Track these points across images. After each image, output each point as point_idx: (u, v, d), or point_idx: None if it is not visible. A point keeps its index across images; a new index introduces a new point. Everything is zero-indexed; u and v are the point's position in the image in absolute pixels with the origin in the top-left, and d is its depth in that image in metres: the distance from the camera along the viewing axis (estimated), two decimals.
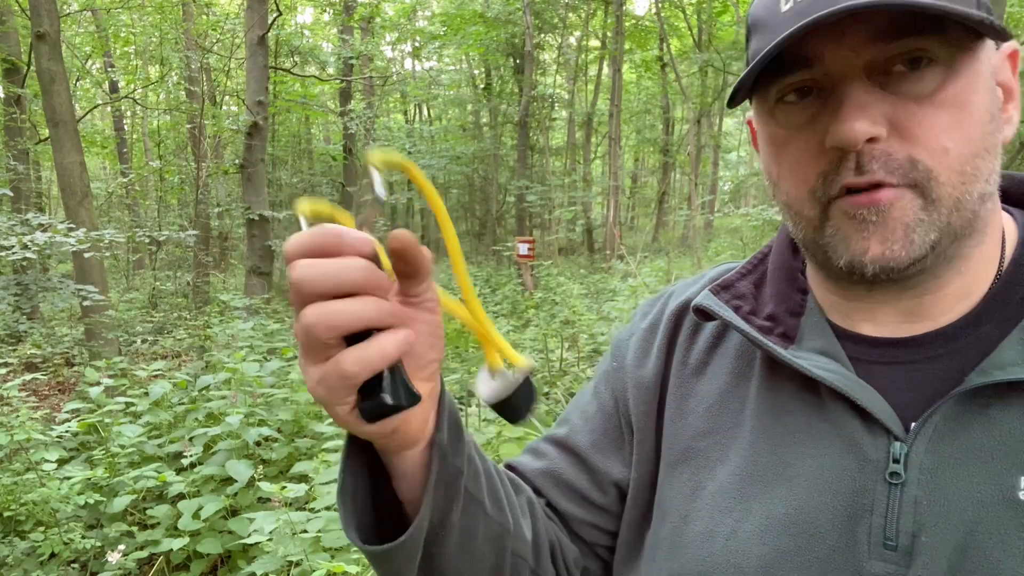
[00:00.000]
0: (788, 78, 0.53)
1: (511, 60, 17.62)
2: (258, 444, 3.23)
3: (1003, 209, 0.59)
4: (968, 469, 0.49)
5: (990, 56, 0.53)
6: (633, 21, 17.57)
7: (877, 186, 0.50)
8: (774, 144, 0.56)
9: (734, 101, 0.56)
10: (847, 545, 0.52)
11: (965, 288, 0.55)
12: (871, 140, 0.49)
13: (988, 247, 0.55)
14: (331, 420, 3.17)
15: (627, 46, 16.32)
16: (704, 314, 0.64)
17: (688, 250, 14.84)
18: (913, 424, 0.52)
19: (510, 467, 0.75)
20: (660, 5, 16.08)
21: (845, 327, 0.59)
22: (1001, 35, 0.50)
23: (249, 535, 2.36)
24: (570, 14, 18.01)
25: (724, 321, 0.61)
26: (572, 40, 20.29)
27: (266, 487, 2.35)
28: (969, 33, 0.50)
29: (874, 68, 0.50)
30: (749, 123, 0.65)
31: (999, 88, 0.54)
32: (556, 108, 20.00)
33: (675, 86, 16.10)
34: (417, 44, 21.36)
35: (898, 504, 0.51)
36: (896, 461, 0.51)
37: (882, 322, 0.57)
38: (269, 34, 8.17)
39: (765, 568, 0.54)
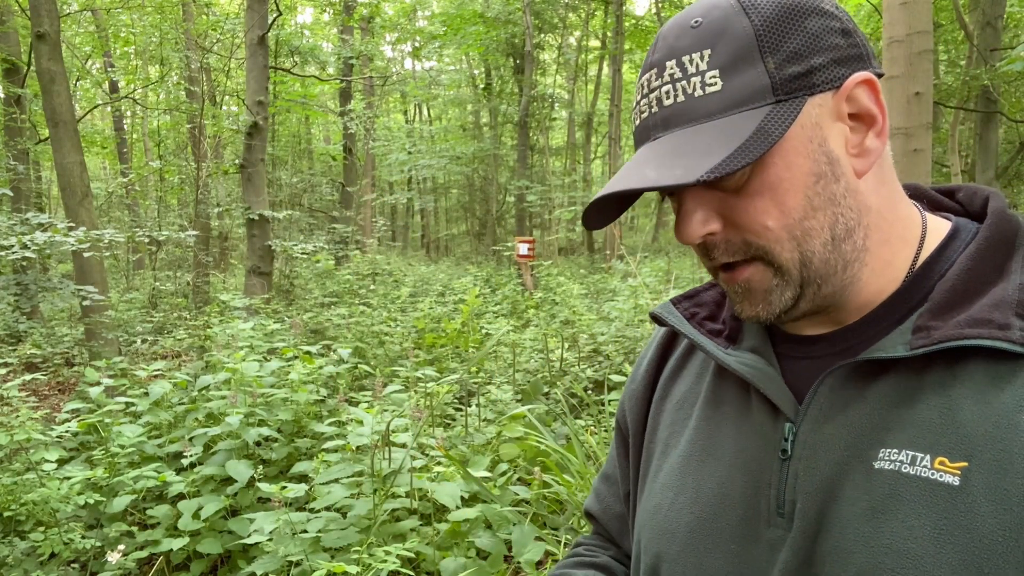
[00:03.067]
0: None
1: (511, 60, 17.62)
2: (258, 444, 3.23)
3: (943, 216, 0.66)
4: (840, 443, 0.57)
5: (818, 110, 0.56)
6: (633, 21, 17.57)
7: (732, 265, 0.61)
8: None
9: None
10: (752, 514, 0.61)
11: (869, 297, 0.61)
12: (711, 233, 0.59)
13: (878, 263, 0.61)
14: (331, 420, 3.17)
15: (627, 46, 16.31)
16: (659, 320, 0.75)
17: (688, 250, 14.83)
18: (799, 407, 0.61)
19: (589, 515, 0.91)
20: (660, 5, 16.09)
21: (779, 328, 0.69)
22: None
23: (249, 535, 2.36)
24: (570, 14, 18.03)
25: (671, 327, 0.73)
26: (572, 40, 20.30)
27: (266, 487, 2.35)
28: None
29: None
30: None
31: (847, 124, 0.58)
32: (556, 108, 20.01)
33: None
34: (417, 44, 21.36)
35: (786, 477, 0.59)
36: (786, 440, 0.61)
37: (803, 327, 0.67)
38: (269, 34, 8.17)
39: (690, 533, 0.65)
